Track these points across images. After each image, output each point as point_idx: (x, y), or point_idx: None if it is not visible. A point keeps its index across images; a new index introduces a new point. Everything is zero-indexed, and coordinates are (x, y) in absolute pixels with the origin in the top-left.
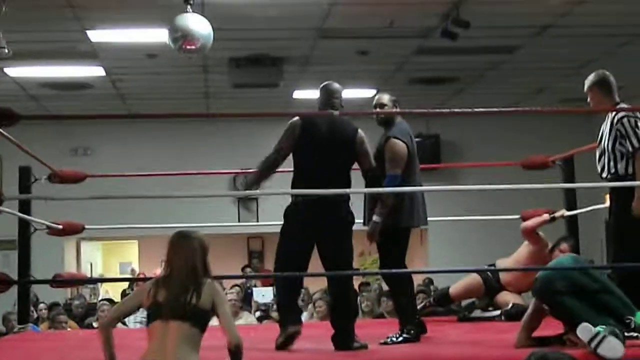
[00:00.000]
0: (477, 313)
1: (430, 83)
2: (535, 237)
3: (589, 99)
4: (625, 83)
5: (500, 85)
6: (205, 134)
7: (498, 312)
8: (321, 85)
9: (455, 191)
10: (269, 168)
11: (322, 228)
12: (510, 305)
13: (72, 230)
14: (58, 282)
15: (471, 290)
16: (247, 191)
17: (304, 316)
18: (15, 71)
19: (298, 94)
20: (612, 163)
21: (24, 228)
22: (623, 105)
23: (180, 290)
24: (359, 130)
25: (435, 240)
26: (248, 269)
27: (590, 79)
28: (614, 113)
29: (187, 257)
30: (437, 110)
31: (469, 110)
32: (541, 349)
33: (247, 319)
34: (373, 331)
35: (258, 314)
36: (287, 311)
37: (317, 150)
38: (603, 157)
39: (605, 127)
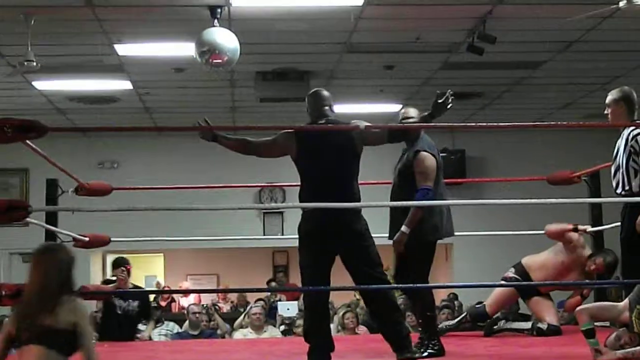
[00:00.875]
0: (502, 324)
1: (456, 98)
2: (566, 238)
3: (607, 112)
4: None
5: (526, 101)
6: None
7: (529, 324)
8: (309, 92)
9: (481, 206)
10: (237, 142)
11: (339, 239)
12: (545, 325)
13: (98, 242)
14: (84, 294)
15: (506, 301)
16: (273, 204)
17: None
18: (43, 84)
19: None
20: (626, 180)
21: (51, 240)
22: None
23: (34, 310)
24: (352, 122)
25: (459, 255)
26: (273, 283)
27: (614, 93)
28: (629, 130)
29: (44, 272)
30: (463, 124)
31: (495, 124)
32: None
33: (272, 332)
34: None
35: (282, 327)
36: (316, 334)
37: (317, 158)
38: (618, 174)
39: (621, 143)
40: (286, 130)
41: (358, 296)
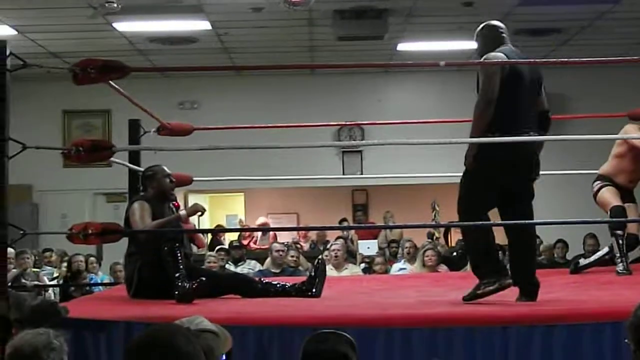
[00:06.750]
0: (584, 261)
1: (535, 34)
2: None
3: None
4: None
5: (606, 36)
6: (309, 86)
7: (605, 250)
8: (483, 25)
9: (559, 142)
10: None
11: (527, 174)
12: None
13: (180, 182)
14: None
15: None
16: (353, 142)
17: (415, 266)
18: (124, 26)
19: (402, 47)
20: None
21: (134, 180)
22: None
23: None
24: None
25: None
26: (345, 222)
27: None
28: None
29: None
30: (543, 60)
31: (575, 59)
32: None
33: (352, 270)
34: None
35: (362, 265)
36: (492, 261)
37: (524, 92)
38: None
39: None
40: (495, 55)
41: (438, 234)
